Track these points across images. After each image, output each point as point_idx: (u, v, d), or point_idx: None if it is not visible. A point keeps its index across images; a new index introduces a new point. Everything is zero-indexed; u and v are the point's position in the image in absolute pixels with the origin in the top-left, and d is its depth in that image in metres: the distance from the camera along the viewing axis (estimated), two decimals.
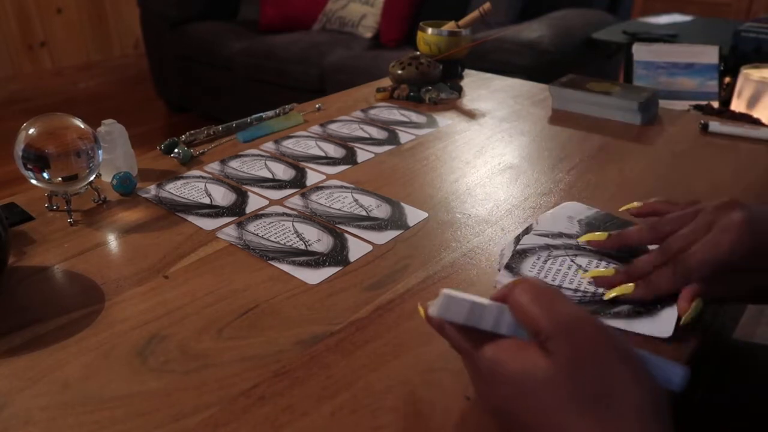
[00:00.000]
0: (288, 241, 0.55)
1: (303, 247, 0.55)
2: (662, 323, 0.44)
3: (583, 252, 0.51)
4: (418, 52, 1.02)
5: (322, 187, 0.66)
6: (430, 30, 1.00)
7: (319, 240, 0.56)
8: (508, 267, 0.51)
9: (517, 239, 0.54)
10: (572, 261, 0.50)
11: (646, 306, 0.45)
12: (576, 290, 0.48)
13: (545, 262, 0.51)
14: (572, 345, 0.30)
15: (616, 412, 0.29)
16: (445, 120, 0.87)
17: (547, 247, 0.52)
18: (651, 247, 0.49)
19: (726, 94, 1.52)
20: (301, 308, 0.47)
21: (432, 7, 2.29)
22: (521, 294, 0.33)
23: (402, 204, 0.63)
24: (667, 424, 0.29)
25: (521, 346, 0.32)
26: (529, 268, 0.50)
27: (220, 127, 0.81)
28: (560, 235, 0.54)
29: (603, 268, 0.49)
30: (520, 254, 0.52)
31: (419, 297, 0.48)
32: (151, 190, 0.66)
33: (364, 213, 0.61)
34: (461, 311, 0.34)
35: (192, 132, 0.79)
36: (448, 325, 0.35)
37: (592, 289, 0.48)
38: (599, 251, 0.51)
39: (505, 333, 0.33)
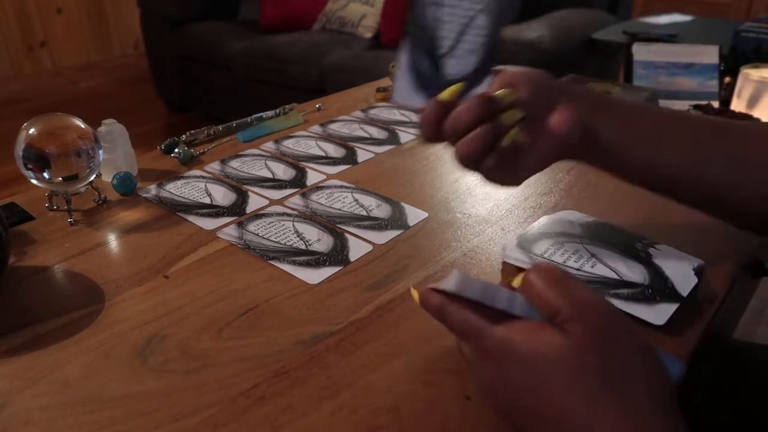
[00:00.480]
0: (288, 241, 0.55)
1: (303, 246, 0.55)
2: (658, 312, 0.44)
3: (599, 244, 0.52)
4: None
5: (322, 187, 0.66)
6: None
7: (319, 240, 0.56)
8: (520, 245, 0.52)
9: (520, 236, 0.54)
10: (586, 249, 0.52)
11: (645, 294, 0.46)
12: (579, 270, 0.49)
13: (559, 246, 0.52)
14: (592, 328, 0.30)
15: (634, 397, 0.29)
16: None
17: (564, 234, 0.54)
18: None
19: (726, 94, 1.52)
20: (301, 308, 0.47)
21: None
22: (536, 278, 0.32)
23: (402, 204, 0.63)
24: (678, 412, 0.30)
25: (536, 326, 0.31)
26: (542, 249, 0.52)
27: (220, 127, 0.81)
28: (563, 234, 0.54)
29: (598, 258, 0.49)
30: (534, 236, 0.53)
31: None
32: (152, 189, 0.66)
33: (364, 213, 0.61)
34: (477, 288, 0.33)
35: (192, 132, 0.79)
36: (452, 306, 0.34)
37: (596, 271, 0.49)
38: (610, 243, 0.52)
39: (518, 314, 0.33)
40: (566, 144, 0.44)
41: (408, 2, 0.45)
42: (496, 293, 0.33)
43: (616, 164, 0.47)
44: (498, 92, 0.43)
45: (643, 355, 0.31)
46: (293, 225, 0.58)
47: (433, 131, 0.44)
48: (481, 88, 0.44)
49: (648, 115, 0.47)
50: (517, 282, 0.34)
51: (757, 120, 1.10)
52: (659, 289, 0.47)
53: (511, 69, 0.45)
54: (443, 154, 0.76)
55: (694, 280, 0.48)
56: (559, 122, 0.43)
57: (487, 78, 0.45)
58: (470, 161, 0.44)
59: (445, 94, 0.43)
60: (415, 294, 0.36)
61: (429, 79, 0.45)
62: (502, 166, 0.44)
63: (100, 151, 0.60)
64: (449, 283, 0.34)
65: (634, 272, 0.48)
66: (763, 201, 0.45)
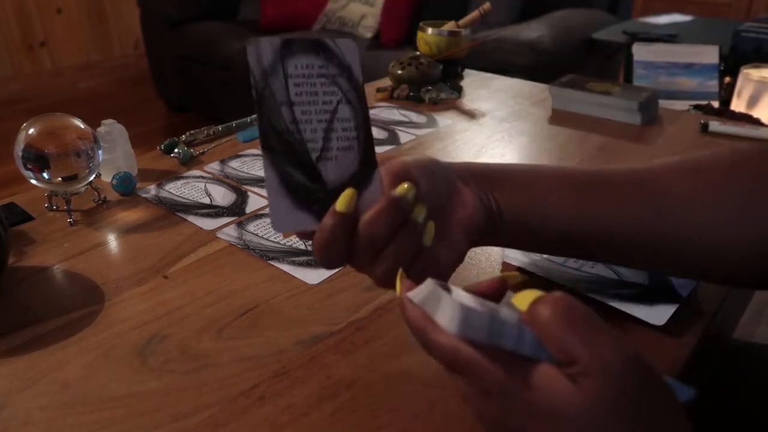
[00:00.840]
0: (288, 241, 0.55)
1: (303, 246, 0.55)
2: (658, 312, 0.44)
3: None
4: (418, 52, 1.02)
5: None
6: (430, 30, 1.01)
7: None
8: None
9: None
10: None
11: (645, 294, 0.46)
12: (578, 270, 0.49)
13: None
14: (610, 388, 0.27)
15: None
16: (445, 120, 0.87)
17: None
18: None
19: (726, 94, 1.53)
20: (301, 308, 0.47)
21: (432, 7, 2.29)
22: (553, 316, 0.28)
23: None
24: None
25: (544, 372, 0.28)
26: None
27: (220, 127, 0.81)
28: None
29: None
30: None
31: None
32: (151, 190, 0.66)
33: None
34: (482, 326, 0.28)
35: (192, 132, 0.79)
36: (439, 334, 0.29)
37: (595, 271, 0.49)
38: None
39: (527, 353, 0.28)
40: (475, 228, 0.39)
41: (256, 109, 0.38)
42: (502, 331, 0.28)
43: (524, 239, 0.42)
44: (400, 190, 0.36)
45: (662, 410, 0.28)
46: None
47: (341, 252, 0.36)
48: (374, 187, 0.38)
49: (544, 180, 0.42)
50: (520, 301, 0.30)
51: (753, 117, 1.10)
52: (659, 289, 0.47)
53: (394, 160, 0.39)
54: (443, 154, 0.76)
55: (695, 281, 0.48)
56: (467, 208, 0.39)
57: (375, 174, 0.38)
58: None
59: (342, 206, 0.36)
60: (398, 286, 0.33)
61: (309, 193, 0.37)
62: (427, 271, 0.37)
63: (100, 152, 0.60)
64: (444, 319, 0.29)
65: (633, 272, 0.48)
66: (695, 245, 0.41)
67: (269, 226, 0.58)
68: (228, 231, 0.57)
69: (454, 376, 0.31)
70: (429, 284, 0.31)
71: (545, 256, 0.51)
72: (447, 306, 0.29)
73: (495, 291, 0.34)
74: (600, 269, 0.49)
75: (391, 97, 0.97)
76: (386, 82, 1.03)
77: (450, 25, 1.02)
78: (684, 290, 0.46)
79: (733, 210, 0.41)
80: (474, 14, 1.01)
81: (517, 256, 0.51)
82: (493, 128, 0.84)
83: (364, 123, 0.39)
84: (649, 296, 0.46)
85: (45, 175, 0.57)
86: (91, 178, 0.60)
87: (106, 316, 0.46)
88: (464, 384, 0.30)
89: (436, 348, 0.30)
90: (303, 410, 0.37)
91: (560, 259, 0.50)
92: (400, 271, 0.34)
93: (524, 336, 0.28)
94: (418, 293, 0.31)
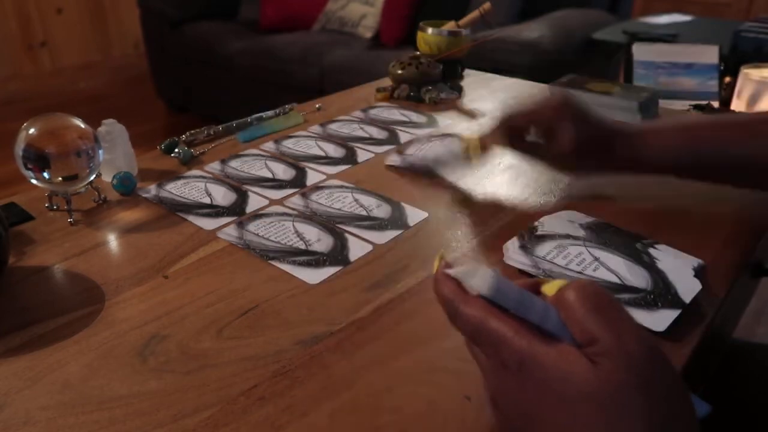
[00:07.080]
0: (288, 241, 0.55)
1: (303, 246, 0.55)
2: (659, 319, 0.44)
3: (602, 246, 0.52)
4: (418, 52, 1.02)
5: (322, 187, 0.66)
6: (430, 30, 1.00)
7: (319, 240, 0.56)
8: (523, 247, 0.52)
9: (521, 236, 0.54)
10: (589, 252, 0.51)
11: (647, 300, 0.46)
12: (580, 273, 0.49)
13: (561, 249, 0.52)
14: (637, 376, 0.27)
15: None
16: (445, 120, 0.87)
17: (568, 236, 0.54)
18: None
19: (726, 94, 1.53)
20: (301, 308, 0.47)
21: (432, 7, 2.29)
22: (577, 300, 0.29)
23: (402, 204, 0.63)
24: None
25: (564, 349, 0.28)
26: (545, 251, 0.51)
27: (220, 127, 0.81)
28: (567, 236, 0.54)
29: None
30: (538, 238, 0.53)
31: (419, 297, 0.48)
32: (152, 189, 0.66)
33: (364, 213, 0.61)
34: (512, 295, 0.29)
35: (192, 132, 0.79)
36: (468, 306, 0.30)
37: (598, 275, 0.49)
38: (612, 244, 0.52)
39: (549, 329, 0.29)
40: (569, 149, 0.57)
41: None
42: (531, 304, 0.29)
43: (635, 165, 0.59)
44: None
45: (676, 403, 0.28)
46: (293, 225, 0.58)
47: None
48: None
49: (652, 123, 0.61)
50: (548, 289, 0.31)
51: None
52: (662, 295, 0.46)
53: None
54: None
55: (698, 286, 0.47)
56: (567, 138, 0.57)
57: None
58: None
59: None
60: (436, 265, 0.33)
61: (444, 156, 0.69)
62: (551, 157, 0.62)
63: (100, 151, 0.60)
64: (478, 283, 0.30)
65: (637, 277, 0.48)
66: None
67: (269, 225, 0.58)
68: (228, 231, 0.57)
69: (476, 352, 0.32)
70: (468, 263, 0.32)
71: (548, 257, 0.50)
72: (482, 272, 0.30)
73: (528, 289, 0.34)
74: (602, 273, 0.49)
75: (391, 97, 0.97)
76: (386, 82, 1.03)
77: (450, 25, 1.02)
78: (687, 297, 0.46)
79: None
80: (474, 14, 1.01)
81: (518, 258, 0.51)
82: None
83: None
84: (651, 302, 0.45)
85: (45, 174, 0.57)
86: (92, 178, 0.60)
87: (106, 316, 0.46)
88: (484, 358, 0.31)
89: (464, 317, 0.30)
90: (303, 410, 0.37)
91: (562, 262, 0.50)
92: (441, 252, 0.35)
93: (550, 315, 0.29)
94: (456, 268, 0.32)
